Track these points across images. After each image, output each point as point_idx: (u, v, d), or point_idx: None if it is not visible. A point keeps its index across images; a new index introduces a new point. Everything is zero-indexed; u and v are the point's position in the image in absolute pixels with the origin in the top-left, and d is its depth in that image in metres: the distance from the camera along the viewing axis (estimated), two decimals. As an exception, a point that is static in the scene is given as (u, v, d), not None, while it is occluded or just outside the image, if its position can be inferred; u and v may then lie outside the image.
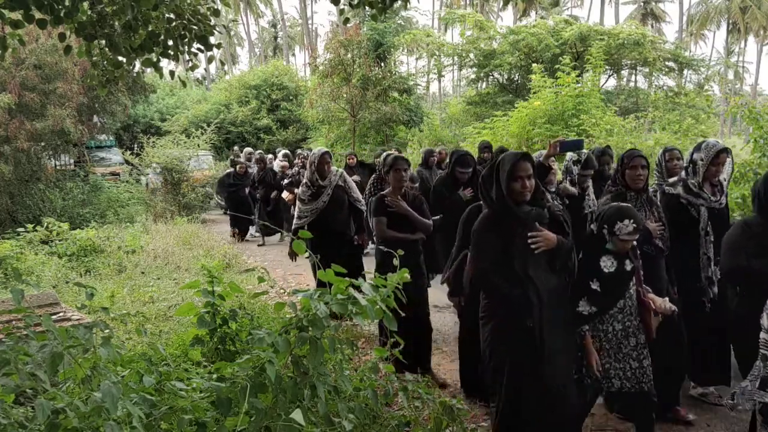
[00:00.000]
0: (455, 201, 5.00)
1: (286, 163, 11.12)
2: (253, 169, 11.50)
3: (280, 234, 10.99)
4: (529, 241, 2.76)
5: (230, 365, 2.12)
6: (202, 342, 2.78)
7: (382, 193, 4.26)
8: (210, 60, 4.38)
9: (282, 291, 6.94)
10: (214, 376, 2.12)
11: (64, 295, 5.89)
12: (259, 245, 10.74)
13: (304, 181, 5.28)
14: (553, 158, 3.76)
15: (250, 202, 11.29)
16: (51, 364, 1.81)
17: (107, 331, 2.07)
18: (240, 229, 11.53)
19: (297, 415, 1.83)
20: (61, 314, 3.94)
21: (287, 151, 12.28)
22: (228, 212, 12.83)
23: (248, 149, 14.24)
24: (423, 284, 4.31)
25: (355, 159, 9.70)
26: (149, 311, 5.24)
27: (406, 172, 4.18)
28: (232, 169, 11.83)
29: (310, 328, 2.09)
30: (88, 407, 1.73)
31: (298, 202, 5.31)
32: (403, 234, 4.12)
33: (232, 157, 14.80)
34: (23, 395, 2.17)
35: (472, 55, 18.60)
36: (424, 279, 4.39)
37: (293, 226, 5.38)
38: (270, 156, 13.44)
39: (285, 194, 9.35)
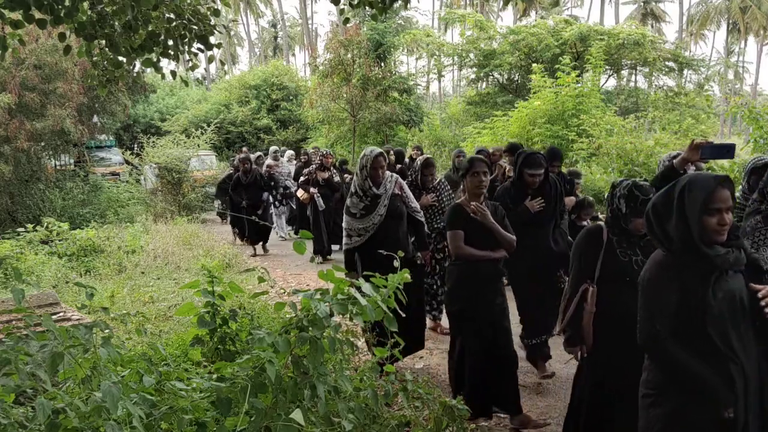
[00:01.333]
0: (520, 214, 4.07)
1: (273, 162, 10.81)
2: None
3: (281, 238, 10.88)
4: (760, 296, 2.05)
5: (230, 365, 2.12)
6: (202, 342, 2.78)
7: (457, 201, 3.58)
8: (210, 60, 4.38)
9: (282, 291, 6.94)
10: (214, 376, 2.12)
11: (64, 295, 5.90)
12: (252, 255, 9.70)
13: (353, 189, 4.24)
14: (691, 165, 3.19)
15: (252, 204, 10.26)
16: (51, 363, 1.81)
17: (107, 331, 2.07)
18: (241, 231, 10.62)
19: (297, 415, 1.84)
20: (61, 314, 3.94)
21: (292, 152, 11.90)
22: (226, 214, 12.68)
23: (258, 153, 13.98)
24: (504, 311, 3.58)
25: (331, 159, 9.14)
26: (149, 311, 5.24)
27: (486, 175, 3.49)
28: (231, 171, 11.56)
29: (310, 328, 2.09)
30: (88, 407, 1.73)
31: (347, 217, 4.26)
32: (483, 252, 3.44)
33: (238, 157, 14.57)
34: (23, 395, 2.17)
35: (472, 55, 18.61)
36: (506, 306, 3.65)
37: (344, 247, 4.31)
38: (258, 154, 13.28)
39: (300, 193, 9.00)
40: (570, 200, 5.32)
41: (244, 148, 16.11)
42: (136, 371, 2.22)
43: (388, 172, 4.26)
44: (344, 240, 4.27)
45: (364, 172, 4.13)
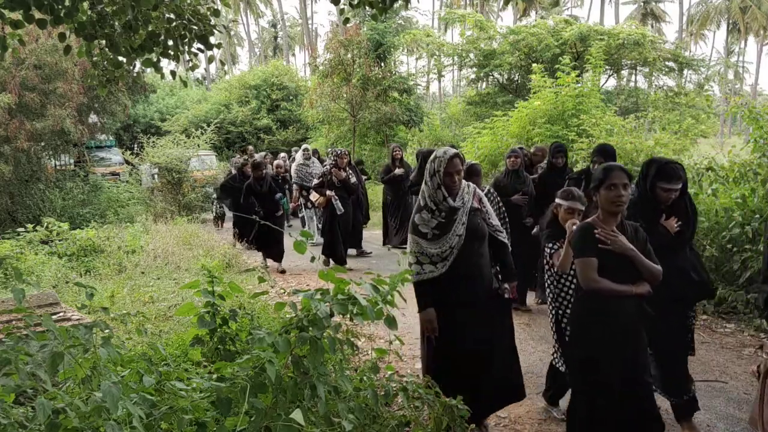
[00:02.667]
0: (658, 237, 3.13)
1: (303, 161, 10.30)
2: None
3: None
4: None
5: (230, 365, 2.12)
6: (202, 342, 2.78)
7: (588, 221, 2.90)
8: (210, 60, 4.38)
9: (282, 291, 6.94)
10: (214, 376, 2.12)
11: (64, 295, 5.89)
12: (264, 266, 8.50)
13: (422, 202, 3.26)
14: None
15: (255, 206, 8.88)
16: (51, 363, 1.81)
17: (107, 331, 2.07)
18: (245, 234, 10.21)
19: (297, 415, 1.84)
20: (61, 314, 3.94)
21: (307, 146, 10.98)
22: (223, 219, 12.52)
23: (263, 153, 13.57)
24: (646, 365, 2.89)
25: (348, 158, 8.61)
26: (149, 311, 5.23)
27: (627, 189, 2.75)
28: (234, 172, 11.03)
29: (310, 328, 2.10)
30: (88, 407, 1.73)
31: (415, 238, 3.26)
32: (623, 286, 2.74)
33: (237, 158, 13.79)
34: (23, 395, 2.18)
35: (472, 55, 18.61)
36: (647, 359, 2.93)
37: (416, 278, 3.21)
38: (262, 154, 12.75)
39: (313, 196, 8.41)
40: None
41: (250, 148, 15.27)
42: (136, 371, 2.23)
43: (465, 182, 3.30)
44: (414, 268, 3.23)
45: (436, 179, 3.14)
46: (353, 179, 8.46)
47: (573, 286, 3.41)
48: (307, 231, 2.53)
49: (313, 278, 7.47)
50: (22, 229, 8.97)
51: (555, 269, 3.60)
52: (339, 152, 8.36)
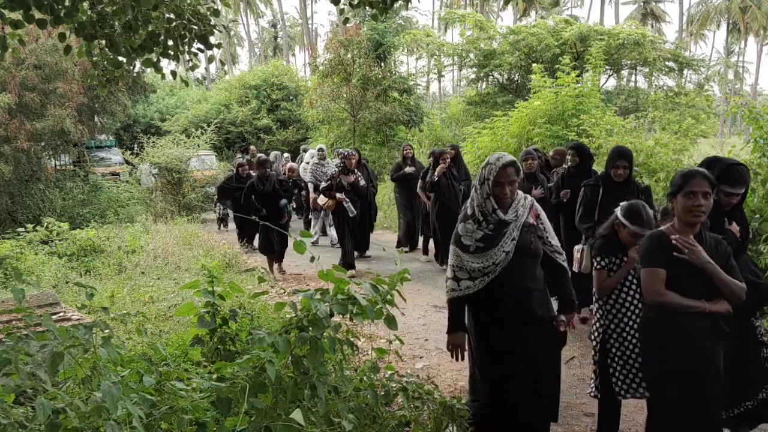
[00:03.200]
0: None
1: (319, 162, 9.94)
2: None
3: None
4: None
5: (230, 365, 2.12)
6: (202, 342, 2.78)
7: (661, 229, 2.67)
8: (210, 60, 4.38)
9: (282, 291, 6.93)
10: (214, 376, 2.12)
11: (64, 295, 5.90)
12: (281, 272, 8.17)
13: (469, 211, 2.93)
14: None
15: (256, 208, 8.50)
16: (51, 363, 1.81)
17: (107, 331, 2.07)
18: (248, 236, 10.02)
19: (297, 415, 1.84)
20: (61, 314, 3.94)
21: (322, 146, 10.53)
22: (225, 221, 12.38)
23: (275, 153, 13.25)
24: (720, 378, 2.57)
25: (357, 157, 8.29)
26: (149, 311, 5.23)
27: (708, 198, 2.50)
28: (234, 173, 10.68)
29: (310, 328, 2.10)
30: (88, 407, 1.73)
31: (456, 250, 2.93)
32: (694, 301, 2.49)
33: (238, 158, 13.49)
34: (23, 395, 2.18)
35: (472, 55, 18.60)
36: (720, 383, 2.58)
37: (450, 293, 2.95)
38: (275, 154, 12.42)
39: (321, 199, 7.95)
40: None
41: (252, 147, 15.08)
42: (136, 371, 2.23)
43: (520, 192, 2.93)
44: (449, 283, 2.93)
45: (485, 188, 2.81)
46: (362, 181, 8.01)
47: (624, 302, 3.13)
48: (307, 232, 2.52)
49: (314, 278, 7.46)
50: (22, 229, 8.98)
51: (594, 290, 3.25)
52: (346, 153, 7.82)
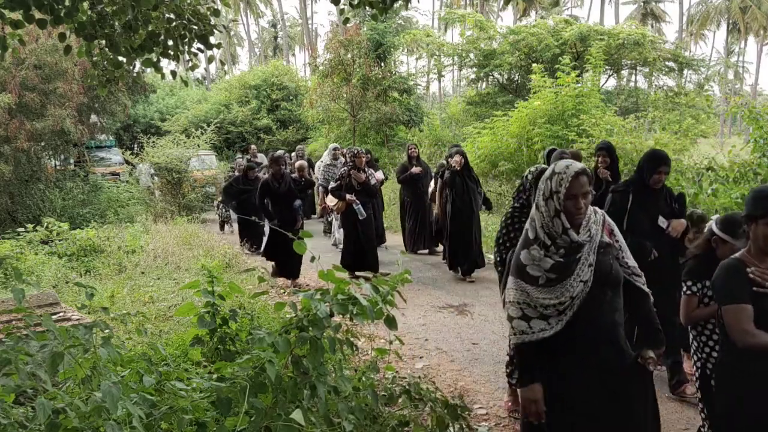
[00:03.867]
0: None
1: (331, 161, 9.70)
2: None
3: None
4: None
5: (230, 365, 2.13)
6: (202, 342, 2.78)
7: (735, 256, 2.36)
8: (210, 60, 4.39)
9: (282, 291, 6.93)
10: (214, 376, 2.12)
11: (64, 295, 5.90)
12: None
13: (534, 235, 2.34)
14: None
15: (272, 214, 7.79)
16: (51, 363, 1.81)
17: (107, 331, 2.07)
18: (252, 239, 9.79)
19: (297, 415, 1.84)
20: (61, 314, 3.94)
21: (336, 145, 10.21)
22: (228, 223, 12.20)
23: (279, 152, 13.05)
24: None
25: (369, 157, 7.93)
26: (149, 311, 5.24)
27: None
28: (237, 174, 10.54)
29: (310, 328, 2.10)
30: (88, 407, 1.73)
31: (518, 282, 2.34)
32: None
33: (247, 157, 13.33)
34: (23, 395, 2.18)
35: (472, 55, 18.60)
36: None
37: (516, 338, 2.32)
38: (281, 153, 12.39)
39: (330, 200, 7.62)
40: (681, 224, 3.93)
41: (252, 147, 14.70)
42: (136, 371, 2.23)
43: (592, 209, 2.38)
44: (516, 324, 2.31)
45: (553, 204, 2.24)
46: (374, 180, 7.73)
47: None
48: (308, 232, 2.52)
49: (314, 278, 7.45)
50: (22, 229, 8.99)
51: (681, 318, 2.89)
52: (356, 151, 7.51)
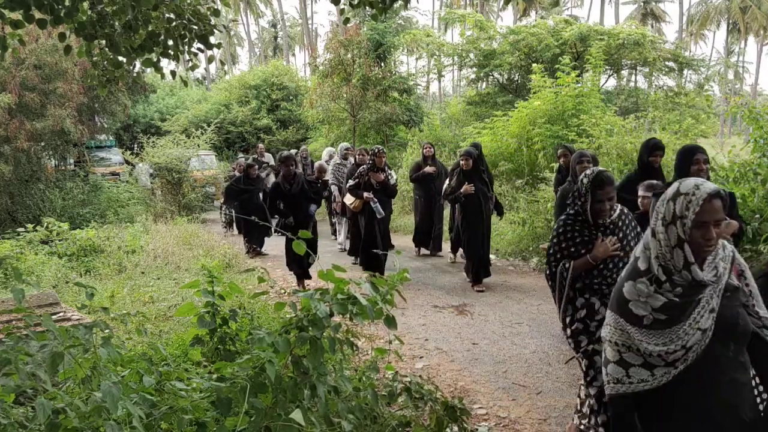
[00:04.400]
0: None
1: (340, 161, 9.55)
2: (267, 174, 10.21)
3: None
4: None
5: (230, 365, 2.13)
6: (202, 342, 2.78)
7: None
8: (210, 60, 4.39)
9: (282, 291, 6.93)
10: (214, 376, 2.12)
11: (64, 295, 5.90)
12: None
13: (646, 266, 1.88)
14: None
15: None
16: (51, 363, 1.81)
17: (107, 331, 2.07)
18: (254, 241, 9.76)
19: (297, 415, 1.84)
20: (61, 314, 3.94)
21: (347, 144, 10.09)
22: (232, 223, 11.97)
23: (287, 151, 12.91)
24: None
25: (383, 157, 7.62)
26: (149, 311, 5.24)
27: None
28: (238, 174, 10.46)
29: (310, 328, 2.10)
30: (88, 407, 1.73)
31: (617, 319, 1.92)
32: None
33: (253, 156, 13.10)
34: (23, 395, 2.18)
35: (472, 55, 18.60)
36: None
37: (612, 389, 1.90)
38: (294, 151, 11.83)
39: (348, 198, 7.51)
40: (733, 225, 3.61)
41: (260, 146, 14.44)
42: (136, 371, 2.23)
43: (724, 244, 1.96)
44: (612, 369, 1.92)
45: (676, 231, 1.79)
46: (393, 179, 7.67)
47: None
48: (306, 232, 2.52)
49: (313, 278, 7.46)
50: (22, 229, 8.99)
51: None
52: (377, 150, 7.26)
